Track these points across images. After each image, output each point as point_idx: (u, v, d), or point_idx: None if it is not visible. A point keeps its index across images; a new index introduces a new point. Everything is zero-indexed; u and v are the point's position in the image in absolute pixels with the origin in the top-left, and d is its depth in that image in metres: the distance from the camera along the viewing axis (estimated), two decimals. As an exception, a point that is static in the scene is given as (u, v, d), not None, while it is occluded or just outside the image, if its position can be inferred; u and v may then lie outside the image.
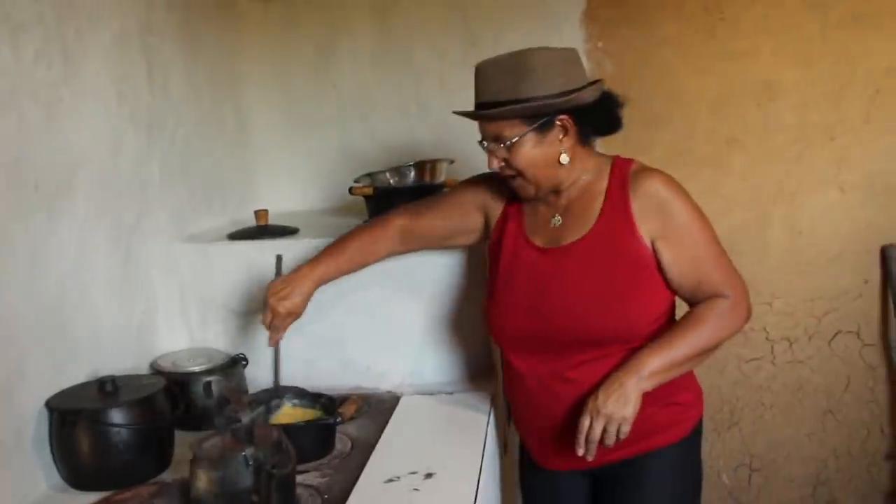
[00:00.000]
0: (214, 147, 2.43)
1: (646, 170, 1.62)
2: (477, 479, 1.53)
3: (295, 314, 1.79)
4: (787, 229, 2.73)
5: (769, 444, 2.86)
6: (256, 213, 2.19)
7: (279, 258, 1.88)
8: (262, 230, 2.16)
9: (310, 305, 1.90)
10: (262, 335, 2.05)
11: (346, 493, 1.48)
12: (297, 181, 2.76)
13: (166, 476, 1.64)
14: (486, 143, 1.63)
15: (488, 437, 1.76)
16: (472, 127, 2.56)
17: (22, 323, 1.55)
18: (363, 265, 1.87)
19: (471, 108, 1.64)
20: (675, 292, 1.62)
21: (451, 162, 2.27)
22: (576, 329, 1.59)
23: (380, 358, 2.07)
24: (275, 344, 1.80)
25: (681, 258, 1.57)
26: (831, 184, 2.68)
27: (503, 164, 1.61)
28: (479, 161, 2.50)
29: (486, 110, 1.58)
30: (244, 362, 1.98)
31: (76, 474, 1.60)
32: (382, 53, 2.68)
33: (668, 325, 1.63)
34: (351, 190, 2.19)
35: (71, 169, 1.72)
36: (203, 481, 1.38)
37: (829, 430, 2.83)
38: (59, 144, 1.69)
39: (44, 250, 1.63)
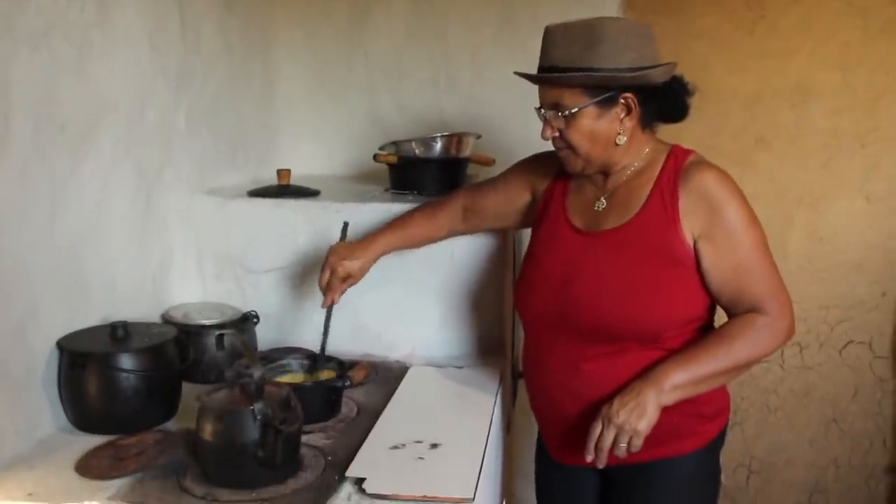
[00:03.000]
0: (241, 103, 2.42)
1: (702, 163, 1.54)
2: (482, 453, 1.52)
3: (353, 278, 1.79)
4: (809, 234, 2.71)
5: (770, 447, 2.85)
6: (279, 172, 2.18)
7: (346, 225, 1.87)
8: (283, 189, 2.15)
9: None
10: (273, 293, 2.09)
11: (351, 456, 1.48)
12: (322, 144, 2.74)
13: (171, 425, 1.64)
14: (542, 111, 1.55)
15: (495, 413, 1.76)
16: (501, 103, 2.58)
17: (39, 262, 1.55)
18: (426, 240, 1.89)
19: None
20: (714, 299, 1.54)
21: (478, 137, 2.26)
22: (595, 318, 1.53)
23: (391, 327, 2.06)
24: (329, 304, 1.79)
25: (723, 263, 1.49)
26: (858, 192, 2.65)
27: (557, 134, 1.55)
28: (506, 137, 2.51)
29: (548, 74, 1.51)
30: (255, 320, 1.98)
31: (82, 416, 1.60)
32: (416, 24, 2.65)
33: (699, 334, 1.55)
34: (375, 157, 2.18)
35: (98, 113, 1.72)
36: (208, 433, 1.38)
37: (831, 439, 2.82)
38: (88, 87, 1.68)
39: (65, 192, 1.62)
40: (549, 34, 1.52)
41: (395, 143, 2.20)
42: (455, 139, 2.19)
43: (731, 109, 2.65)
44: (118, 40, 1.78)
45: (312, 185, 2.22)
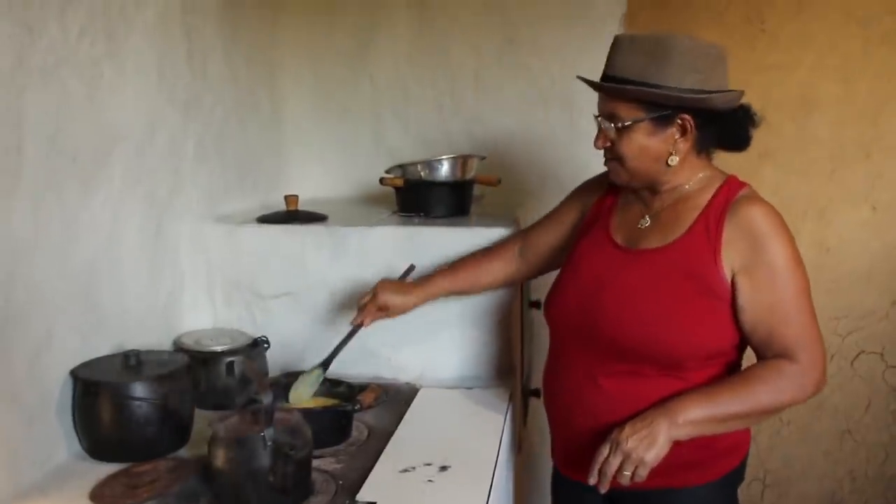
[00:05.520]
0: (248, 130, 2.45)
1: (753, 197, 1.50)
2: (491, 475, 1.53)
3: (387, 311, 1.83)
4: (816, 245, 2.70)
5: (784, 460, 2.84)
6: (286, 198, 2.20)
7: (411, 267, 1.92)
8: (292, 215, 2.17)
9: (334, 294, 1.92)
10: (284, 318, 2.11)
11: (361, 480, 1.49)
12: (329, 169, 2.77)
13: (184, 452, 1.66)
14: (599, 119, 1.53)
15: (504, 434, 1.76)
16: (505, 123, 2.59)
17: (52, 292, 1.57)
18: (480, 284, 1.91)
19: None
20: (746, 337, 1.49)
21: (483, 158, 2.28)
22: (613, 332, 1.50)
23: (401, 349, 2.07)
24: (355, 323, 1.83)
25: (758, 301, 1.44)
26: (863, 202, 2.65)
27: (609, 144, 1.53)
28: (510, 157, 2.53)
29: (607, 83, 1.48)
30: (266, 345, 2.00)
31: (96, 444, 1.62)
32: (419, 47, 2.68)
33: (726, 371, 1.52)
34: (382, 180, 2.20)
35: (108, 143, 1.74)
36: (220, 459, 1.40)
37: (846, 451, 2.80)
38: (98, 118, 1.70)
39: (77, 222, 1.65)
40: (617, 43, 1.50)
41: (401, 167, 2.22)
42: (460, 161, 2.21)
43: (734, 123, 2.66)
44: (127, 71, 1.80)
45: (320, 210, 2.24)
